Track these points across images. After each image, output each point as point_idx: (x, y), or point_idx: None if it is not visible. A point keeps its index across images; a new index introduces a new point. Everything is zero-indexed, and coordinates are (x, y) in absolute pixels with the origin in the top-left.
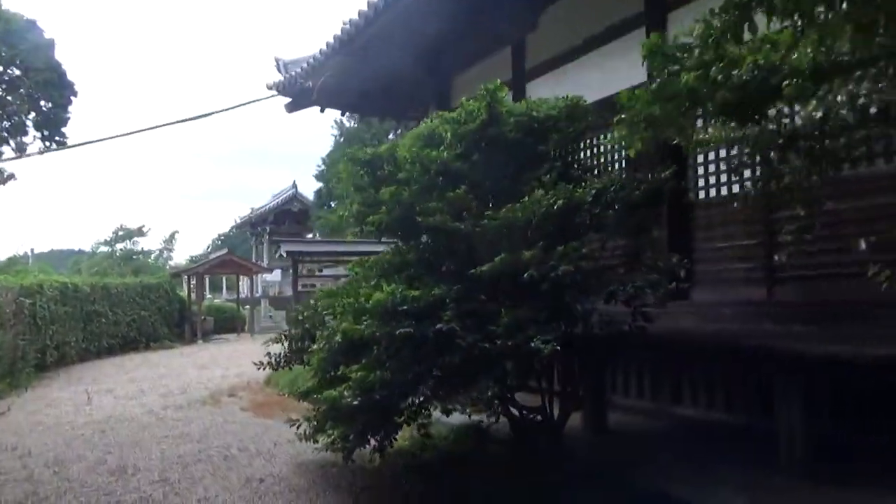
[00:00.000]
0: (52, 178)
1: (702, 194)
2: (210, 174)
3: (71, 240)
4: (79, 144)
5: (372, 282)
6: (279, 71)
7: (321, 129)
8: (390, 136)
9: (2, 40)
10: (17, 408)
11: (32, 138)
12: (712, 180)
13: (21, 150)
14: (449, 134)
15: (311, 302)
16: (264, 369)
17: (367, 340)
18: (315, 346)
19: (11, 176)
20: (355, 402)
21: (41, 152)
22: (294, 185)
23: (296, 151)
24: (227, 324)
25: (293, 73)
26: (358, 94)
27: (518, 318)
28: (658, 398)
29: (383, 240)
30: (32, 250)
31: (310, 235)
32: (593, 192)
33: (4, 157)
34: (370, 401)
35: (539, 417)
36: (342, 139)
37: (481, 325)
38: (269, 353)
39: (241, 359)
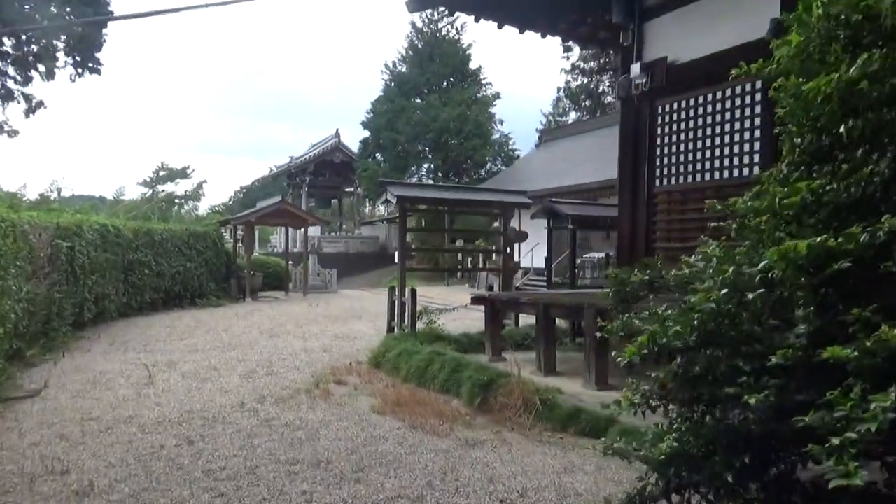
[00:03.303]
0: (73, 118)
1: None
2: (220, 128)
3: (89, 186)
4: (119, 17)
5: None
6: None
7: (337, 86)
8: (444, 84)
9: None
10: (56, 384)
11: (64, 63)
12: None
13: (51, 77)
14: None
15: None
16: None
17: None
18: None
19: (41, 104)
20: None
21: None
22: (337, 134)
23: (312, 109)
24: (274, 281)
25: None
26: None
27: None
28: None
29: None
30: (60, 191)
31: (349, 189)
32: None
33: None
34: None
35: None
36: (392, 84)
37: None
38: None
39: (310, 326)
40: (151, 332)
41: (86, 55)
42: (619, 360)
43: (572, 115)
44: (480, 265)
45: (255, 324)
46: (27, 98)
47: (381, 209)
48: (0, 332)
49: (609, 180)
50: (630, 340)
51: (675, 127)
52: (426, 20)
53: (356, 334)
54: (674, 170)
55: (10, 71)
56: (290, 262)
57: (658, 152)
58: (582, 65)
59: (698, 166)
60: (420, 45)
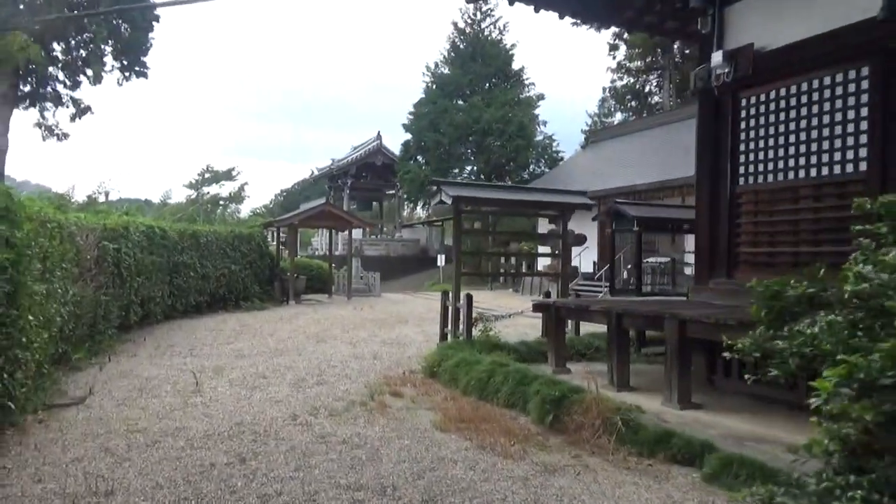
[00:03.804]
0: (119, 122)
1: None
2: (254, 131)
3: (136, 189)
4: (160, 4)
5: None
6: None
7: (372, 89)
8: (486, 85)
9: None
10: (101, 391)
11: (111, 67)
12: None
13: (98, 81)
14: None
15: None
16: None
17: None
18: None
19: (88, 109)
20: None
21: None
22: (378, 137)
23: (346, 112)
24: (317, 283)
25: None
26: None
27: None
28: None
29: None
30: (107, 194)
31: (390, 192)
32: None
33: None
34: None
35: None
36: (434, 85)
37: None
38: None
39: (357, 330)
40: (197, 335)
41: (132, 59)
42: (810, 401)
43: (618, 116)
44: (524, 269)
45: (300, 328)
46: (75, 102)
47: (420, 212)
48: (45, 335)
49: (660, 182)
50: (767, 361)
51: (762, 120)
52: (468, 20)
53: (405, 340)
54: (761, 167)
55: (60, 75)
56: (333, 265)
57: (742, 148)
58: (628, 64)
59: (790, 163)
60: (462, 46)
